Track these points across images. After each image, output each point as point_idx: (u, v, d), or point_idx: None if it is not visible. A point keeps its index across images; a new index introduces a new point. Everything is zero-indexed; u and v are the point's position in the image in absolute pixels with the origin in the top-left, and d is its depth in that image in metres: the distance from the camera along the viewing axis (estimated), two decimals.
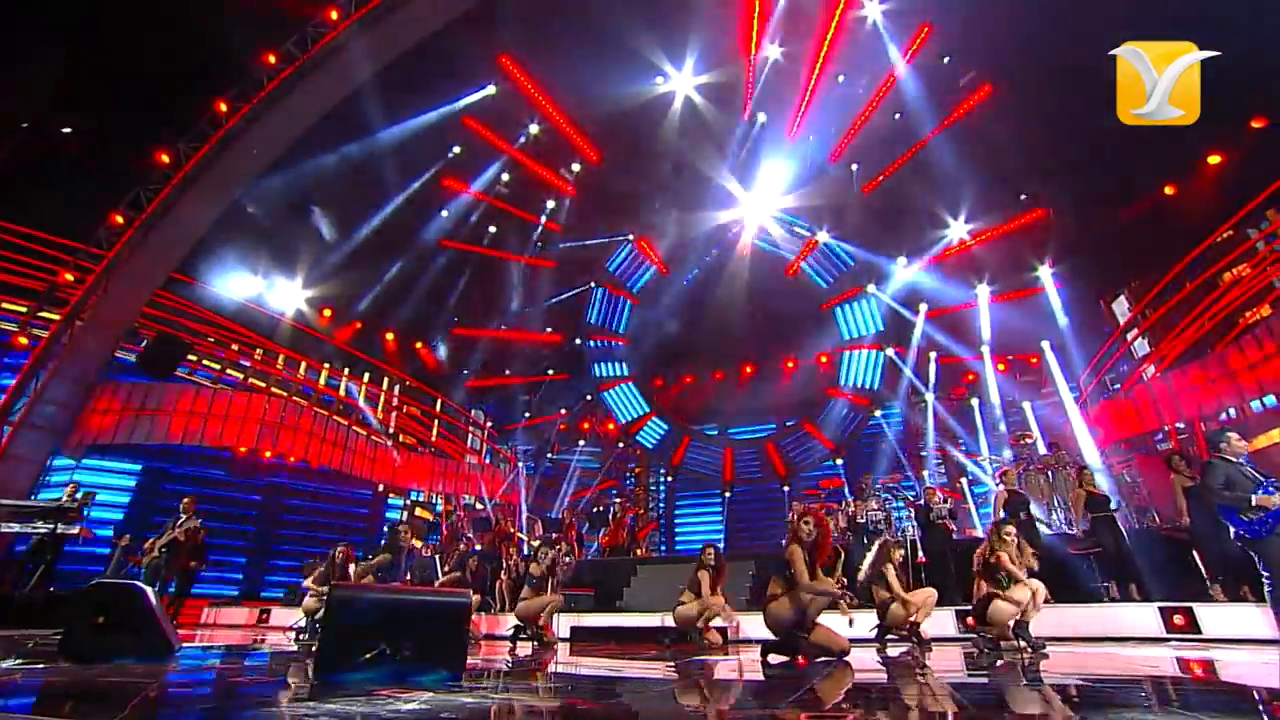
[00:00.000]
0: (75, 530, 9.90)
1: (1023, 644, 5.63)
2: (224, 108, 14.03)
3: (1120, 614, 7.49)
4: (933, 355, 18.17)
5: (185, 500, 10.24)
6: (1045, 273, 16.38)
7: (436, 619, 2.94)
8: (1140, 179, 13.91)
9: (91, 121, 15.55)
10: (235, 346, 16.92)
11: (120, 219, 13.97)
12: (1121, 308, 16.15)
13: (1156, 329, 14.79)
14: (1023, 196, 15.76)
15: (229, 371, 16.64)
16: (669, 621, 9.40)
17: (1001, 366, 17.90)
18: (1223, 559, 7.88)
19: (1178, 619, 6.97)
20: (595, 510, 15.83)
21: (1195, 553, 8.15)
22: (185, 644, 5.72)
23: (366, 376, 19.30)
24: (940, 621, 7.41)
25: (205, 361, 16.18)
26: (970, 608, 7.70)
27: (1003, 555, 5.84)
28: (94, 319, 13.88)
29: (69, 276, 14.25)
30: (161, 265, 14.51)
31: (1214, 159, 13.68)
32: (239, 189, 14.77)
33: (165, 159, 14.04)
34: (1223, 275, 13.92)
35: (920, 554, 9.21)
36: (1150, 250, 14.49)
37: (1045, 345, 15.18)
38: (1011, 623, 5.68)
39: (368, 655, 2.64)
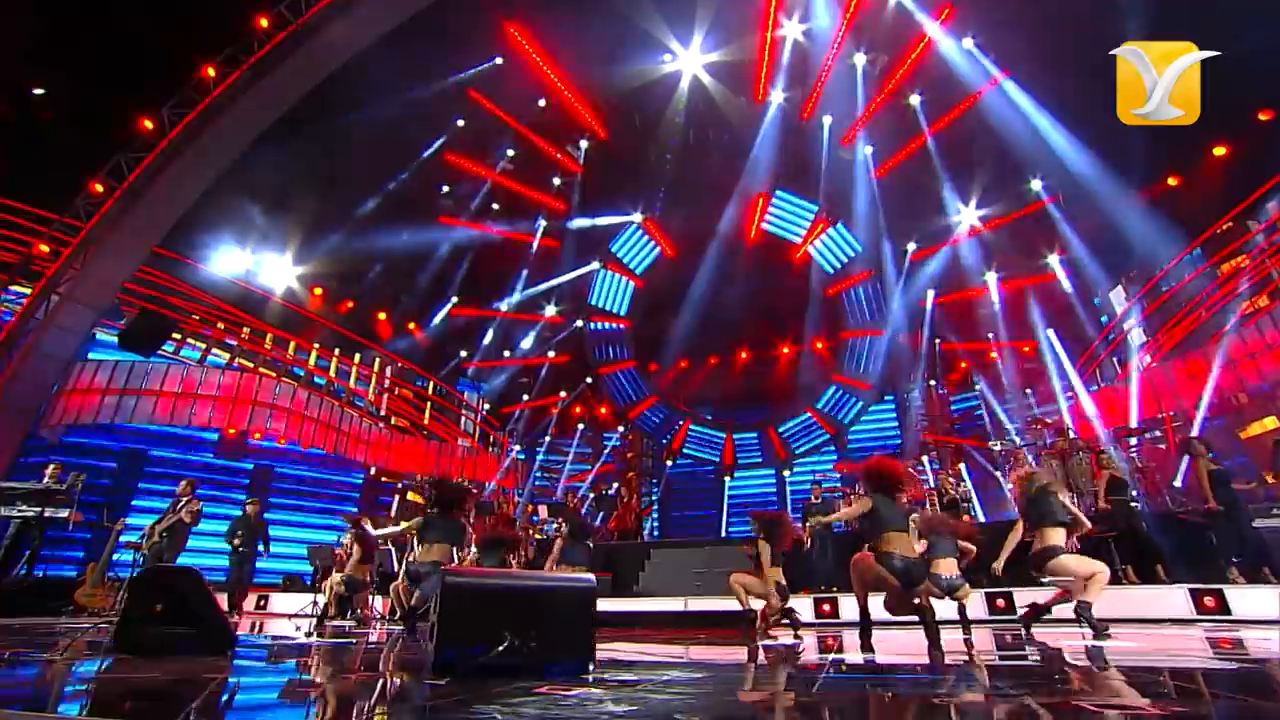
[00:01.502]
0: (65, 514, 9.45)
1: (1084, 626, 5.56)
2: (212, 72, 13.27)
3: (1149, 596, 7.59)
4: (937, 342, 18.30)
5: (183, 482, 9.84)
6: (1054, 260, 16.55)
7: (561, 606, 2.72)
8: (1147, 169, 14.01)
9: (68, 83, 14.59)
10: (222, 325, 16.27)
11: (100, 188, 13.17)
12: (1118, 297, 16.41)
13: (1154, 319, 15.05)
14: (1035, 183, 15.82)
15: (216, 350, 16.00)
16: (693, 606, 9.36)
17: (993, 355, 18.11)
18: (1239, 541, 8.05)
19: (1208, 601, 7.08)
20: (599, 494, 15.66)
21: (1213, 535, 8.32)
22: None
23: (358, 357, 18.75)
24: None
25: (191, 340, 15.54)
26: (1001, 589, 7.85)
27: (1060, 496, 5.57)
28: (72, 293, 13.13)
29: (44, 248, 13.42)
30: (145, 238, 13.75)
31: (1219, 151, 13.87)
32: (228, 159, 14.03)
33: (149, 125, 13.24)
34: (1221, 266, 14.23)
35: None
36: (1152, 241, 14.67)
37: (1051, 333, 15.37)
38: (1075, 600, 5.51)
39: (500, 648, 2.40)
